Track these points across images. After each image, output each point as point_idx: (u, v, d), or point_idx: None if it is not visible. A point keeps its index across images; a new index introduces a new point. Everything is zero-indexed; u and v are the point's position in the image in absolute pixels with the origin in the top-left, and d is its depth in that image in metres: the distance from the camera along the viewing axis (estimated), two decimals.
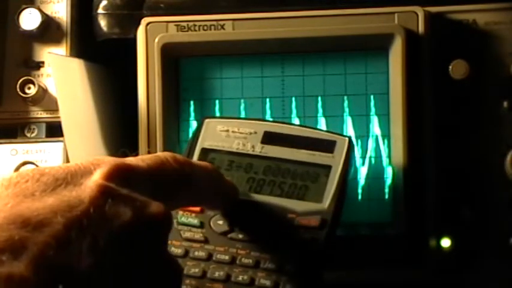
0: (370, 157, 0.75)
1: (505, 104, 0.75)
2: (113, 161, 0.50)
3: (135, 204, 0.48)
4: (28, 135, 0.80)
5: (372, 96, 0.76)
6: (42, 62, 0.80)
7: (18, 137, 0.80)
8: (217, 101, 0.77)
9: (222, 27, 0.76)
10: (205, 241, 0.62)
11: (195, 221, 0.63)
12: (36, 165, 0.77)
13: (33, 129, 0.80)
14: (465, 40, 0.76)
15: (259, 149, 0.67)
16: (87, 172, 0.48)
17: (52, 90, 0.80)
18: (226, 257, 0.61)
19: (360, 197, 0.75)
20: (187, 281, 0.60)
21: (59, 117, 0.75)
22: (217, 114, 0.76)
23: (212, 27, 0.76)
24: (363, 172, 0.75)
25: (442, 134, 0.75)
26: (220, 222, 0.63)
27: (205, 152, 0.67)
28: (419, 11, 0.75)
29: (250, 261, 0.61)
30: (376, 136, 0.75)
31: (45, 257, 0.42)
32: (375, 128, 0.75)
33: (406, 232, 0.73)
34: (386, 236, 0.74)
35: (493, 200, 0.75)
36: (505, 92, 0.75)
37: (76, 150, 0.75)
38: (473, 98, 0.76)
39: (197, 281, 0.60)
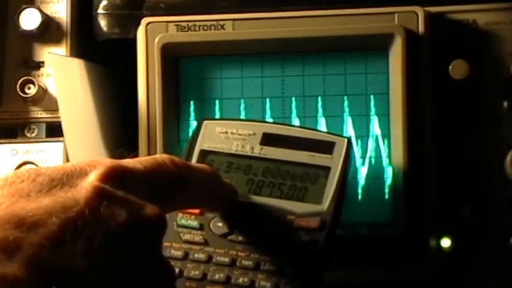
0: (370, 157, 0.75)
1: (505, 104, 0.75)
2: (109, 162, 0.50)
3: (130, 207, 0.48)
4: (28, 135, 0.80)
5: (372, 96, 0.76)
6: (42, 62, 0.80)
7: (18, 137, 0.80)
8: (217, 101, 0.77)
9: (222, 27, 0.76)
10: (205, 243, 0.62)
11: (195, 223, 0.63)
12: (36, 165, 0.77)
13: (33, 129, 0.80)
14: (465, 40, 0.75)
15: (258, 150, 0.67)
16: (82, 173, 0.48)
17: (52, 90, 0.80)
18: (226, 259, 0.61)
19: (360, 197, 0.75)
20: (188, 283, 0.60)
21: (59, 117, 0.76)
22: (217, 114, 0.76)
23: (212, 27, 0.76)
24: (363, 172, 0.75)
25: (442, 134, 0.75)
26: (220, 224, 0.63)
27: (204, 153, 0.67)
28: (419, 11, 0.75)
29: (250, 263, 0.61)
30: (376, 136, 0.75)
31: (39, 258, 0.43)
32: (375, 128, 0.75)
33: (406, 232, 0.73)
34: (387, 236, 0.74)
35: (493, 200, 0.75)
36: (505, 92, 0.75)
37: (76, 150, 0.75)
38: (473, 98, 0.75)
39: (197, 283, 0.60)
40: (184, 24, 0.76)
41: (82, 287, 0.44)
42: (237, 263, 0.61)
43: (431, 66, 0.74)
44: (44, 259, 0.43)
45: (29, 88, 0.79)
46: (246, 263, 0.61)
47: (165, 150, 0.74)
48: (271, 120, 0.75)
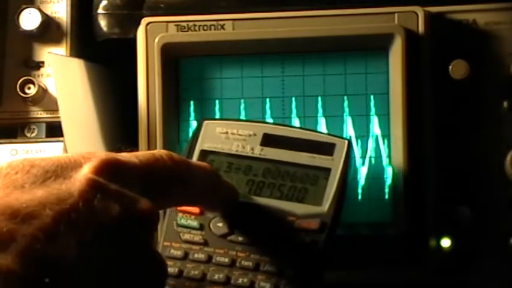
0: (370, 157, 0.75)
1: (505, 104, 0.75)
2: (104, 155, 0.50)
3: (123, 200, 0.48)
4: (28, 135, 0.80)
5: (372, 96, 0.76)
6: (42, 62, 0.80)
7: (18, 137, 0.80)
8: (217, 101, 0.77)
9: (222, 27, 0.76)
10: (205, 243, 0.62)
11: (195, 223, 0.63)
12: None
13: (33, 129, 0.80)
14: (465, 40, 0.75)
15: (258, 151, 0.67)
16: (77, 165, 0.49)
17: (52, 90, 0.80)
18: (226, 260, 0.61)
19: (359, 197, 0.75)
20: (187, 283, 0.60)
21: (59, 117, 0.76)
22: (217, 114, 0.76)
23: (212, 27, 0.76)
24: (363, 172, 0.75)
25: (442, 134, 0.75)
26: (220, 224, 0.63)
27: (204, 154, 0.67)
28: (419, 11, 0.74)
29: (250, 263, 0.61)
30: (376, 136, 0.75)
31: (32, 250, 0.43)
32: (375, 128, 0.75)
33: (406, 232, 0.73)
34: (387, 236, 0.74)
35: (493, 200, 0.75)
36: (505, 92, 0.75)
37: (76, 150, 0.75)
38: (473, 98, 0.75)
39: (197, 284, 0.60)
40: (184, 24, 0.76)
41: (75, 279, 0.44)
42: (237, 264, 0.61)
43: (431, 66, 0.74)
44: (38, 251, 0.43)
45: (29, 88, 0.79)
46: (245, 263, 0.61)
47: (165, 150, 0.74)
48: (271, 120, 0.75)
